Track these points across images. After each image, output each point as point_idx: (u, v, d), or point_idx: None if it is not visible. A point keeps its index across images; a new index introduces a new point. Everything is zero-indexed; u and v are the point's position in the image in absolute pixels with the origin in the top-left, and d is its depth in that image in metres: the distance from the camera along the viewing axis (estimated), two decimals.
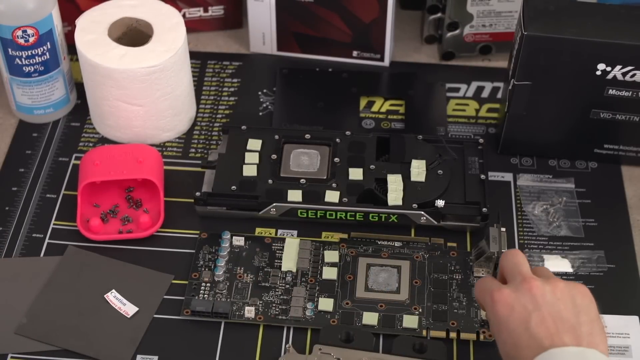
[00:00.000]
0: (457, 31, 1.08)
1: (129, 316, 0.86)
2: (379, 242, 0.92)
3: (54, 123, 1.04)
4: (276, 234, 0.93)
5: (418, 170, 0.93)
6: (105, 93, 0.96)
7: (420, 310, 0.86)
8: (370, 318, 0.85)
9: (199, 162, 0.98)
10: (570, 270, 0.90)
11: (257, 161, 0.95)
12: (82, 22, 0.97)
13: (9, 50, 0.96)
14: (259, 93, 1.07)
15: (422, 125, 1.04)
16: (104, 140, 1.02)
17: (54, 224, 0.94)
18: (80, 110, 1.05)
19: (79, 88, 1.04)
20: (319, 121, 1.03)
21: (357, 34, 1.07)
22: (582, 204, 0.96)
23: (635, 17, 0.91)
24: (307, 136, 0.97)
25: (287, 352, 0.82)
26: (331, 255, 0.90)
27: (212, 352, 0.84)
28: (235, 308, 0.86)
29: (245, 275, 0.89)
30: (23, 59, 0.97)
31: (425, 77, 1.09)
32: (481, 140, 0.97)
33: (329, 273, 0.89)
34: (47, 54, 0.98)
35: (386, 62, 1.10)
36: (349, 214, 0.91)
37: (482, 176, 0.94)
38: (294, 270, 0.89)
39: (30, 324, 0.85)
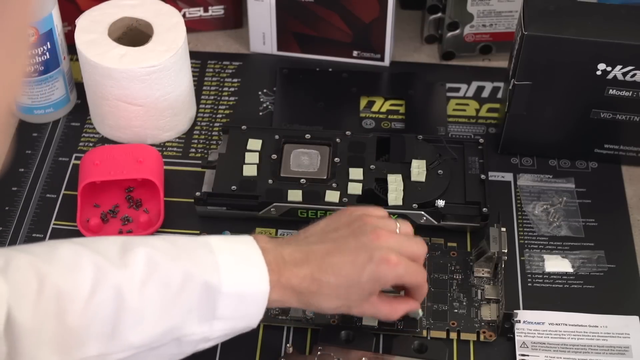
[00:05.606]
0: (457, 31, 1.08)
1: None
2: None
3: (54, 123, 1.04)
4: (276, 234, 0.93)
5: (418, 170, 0.93)
6: (105, 93, 0.96)
7: (420, 310, 0.86)
8: (370, 318, 0.85)
9: (199, 162, 0.98)
10: (570, 270, 0.90)
11: (257, 161, 0.95)
12: (82, 22, 0.97)
13: None
14: (259, 93, 1.07)
15: (422, 125, 1.04)
16: (104, 140, 1.02)
17: (54, 224, 0.94)
18: (80, 110, 1.05)
19: (79, 88, 1.04)
20: (319, 121, 1.03)
21: (357, 33, 1.07)
22: (582, 204, 0.96)
23: (635, 17, 0.91)
24: (307, 136, 0.97)
25: (287, 352, 0.81)
26: None
27: (212, 352, 0.84)
28: None
29: None
30: None
31: (425, 77, 1.09)
32: (481, 140, 0.97)
33: None
34: (47, 53, 0.98)
35: (386, 62, 1.10)
36: None
37: (482, 176, 0.94)
38: None
39: None
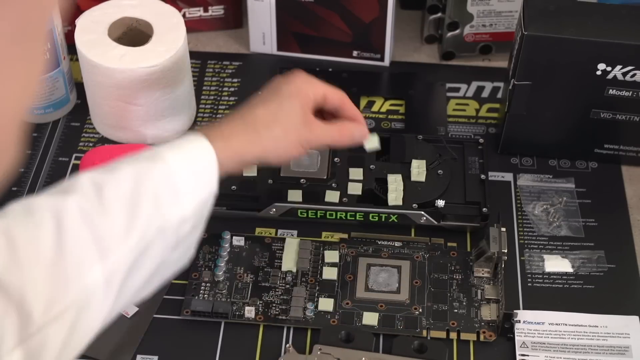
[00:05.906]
0: (457, 31, 1.08)
1: (128, 316, 0.86)
2: (379, 242, 0.92)
3: (54, 123, 1.04)
4: (276, 234, 0.93)
5: (418, 170, 0.93)
6: (105, 93, 0.96)
7: (420, 310, 0.86)
8: (370, 318, 0.85)
9: None
10: (570, 270, 0.90)
11: None
12: (82, 22, 0.97)
13: None
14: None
15: (422, 125, 1.04)
16: (104, 140, 1.02)
17: None
18: (80, 110, 1.05)
19: (79, 88, 1.04)
20: None
21: (357, 33, 1.07)
22: (582, 204, 0.96)
23: (635, 17, 0.91)
24: None
25: (287, 352, 0.81)
26: (331, 255, 0.90)
27: (212, 352, 0.84)
28: (235, 308, 0.86)
29: (245, 275, 0.89)
30: None
31: (425, 77, 1.09)
32: (481, 140, 0.97)
33: (329, 273, 0.89)
34: (47, 54, 0.98)
35: (386, 62, 1.10)
36: (349, 214, 0.91)
37: (482, 176, 0.94)
38: (294, 270, 0.89)
39: None
